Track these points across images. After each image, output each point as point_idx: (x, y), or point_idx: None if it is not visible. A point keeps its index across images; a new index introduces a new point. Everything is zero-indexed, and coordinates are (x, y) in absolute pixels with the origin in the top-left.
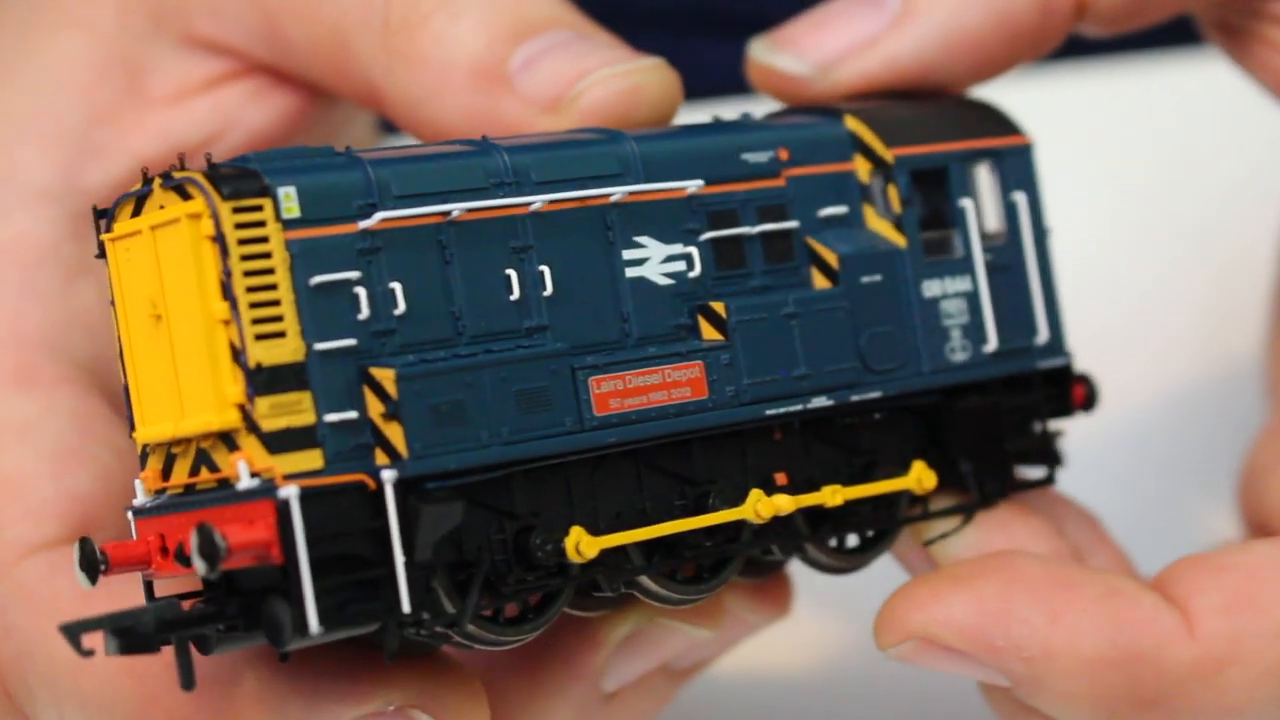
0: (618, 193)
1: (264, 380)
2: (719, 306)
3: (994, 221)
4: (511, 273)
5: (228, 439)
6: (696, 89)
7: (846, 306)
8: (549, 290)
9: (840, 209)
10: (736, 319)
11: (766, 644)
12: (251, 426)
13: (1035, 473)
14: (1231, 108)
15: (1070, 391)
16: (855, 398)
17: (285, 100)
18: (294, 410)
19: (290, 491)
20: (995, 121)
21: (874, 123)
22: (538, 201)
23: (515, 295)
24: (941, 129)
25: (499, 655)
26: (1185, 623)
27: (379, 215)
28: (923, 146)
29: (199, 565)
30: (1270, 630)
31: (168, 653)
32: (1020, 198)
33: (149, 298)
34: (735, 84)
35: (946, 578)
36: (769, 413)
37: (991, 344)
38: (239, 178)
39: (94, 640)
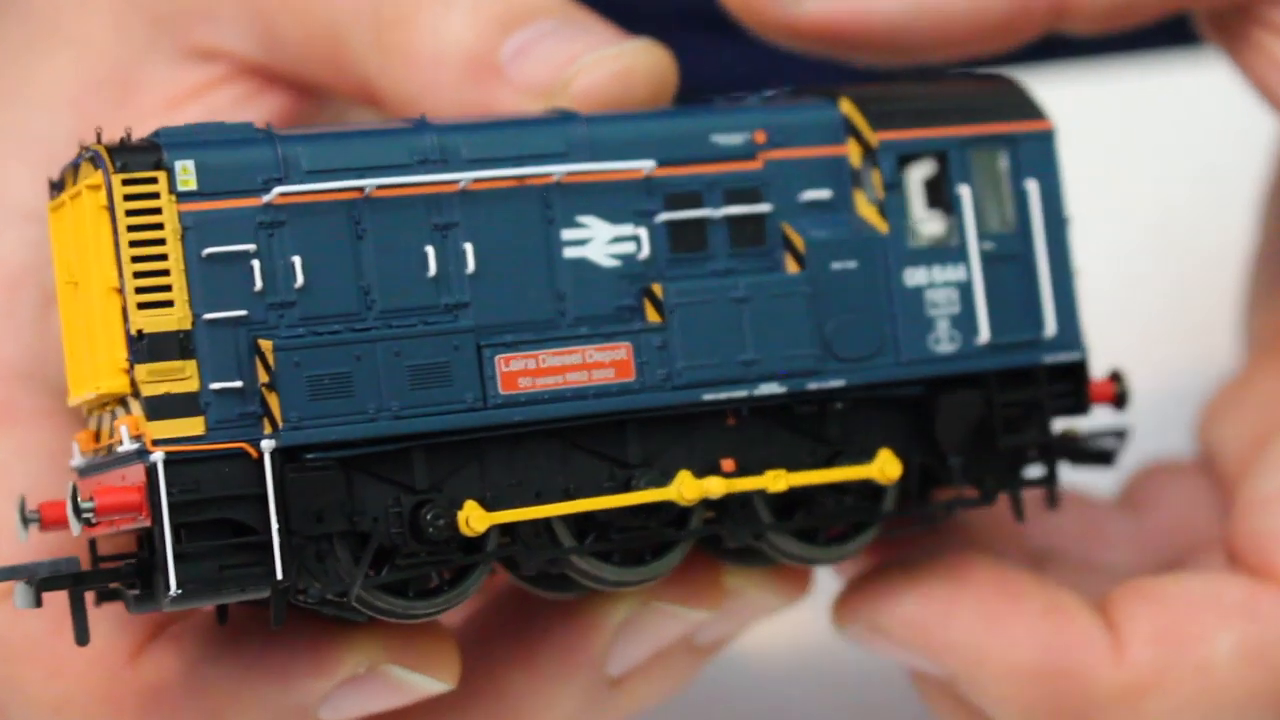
0: (558, 172)
1: (145, 347)
2: (658, 288)
3: (1007, 209)
4: (430, 249)
5: (125, 403)
6: (702, 89)
7: (807, 292)
8: (471, 268)
9: (823, 193)
10: (674, 301)
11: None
12: (136, 392)
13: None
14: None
15: (1084, 388)
16: (813, 386)
17: (276, 101)
18: (175, 377)
19: (157, 456)
20: (1015, 106)
21: (867, 105)
22: (464, 179)
23: (432, 272)
24: (946, 112)
25: (498, 649)
26: (1116, 647)
27: (277, 190)
28: (915, 131)
29: (72, 525)
30: (1194, 664)
31: (168, 696)
32: (1033, 185)
33: (69, 265)
34: (740, 84)
35: (900, 572)
36: (707, 398)
37: (983, 335)
38: (135, 150)
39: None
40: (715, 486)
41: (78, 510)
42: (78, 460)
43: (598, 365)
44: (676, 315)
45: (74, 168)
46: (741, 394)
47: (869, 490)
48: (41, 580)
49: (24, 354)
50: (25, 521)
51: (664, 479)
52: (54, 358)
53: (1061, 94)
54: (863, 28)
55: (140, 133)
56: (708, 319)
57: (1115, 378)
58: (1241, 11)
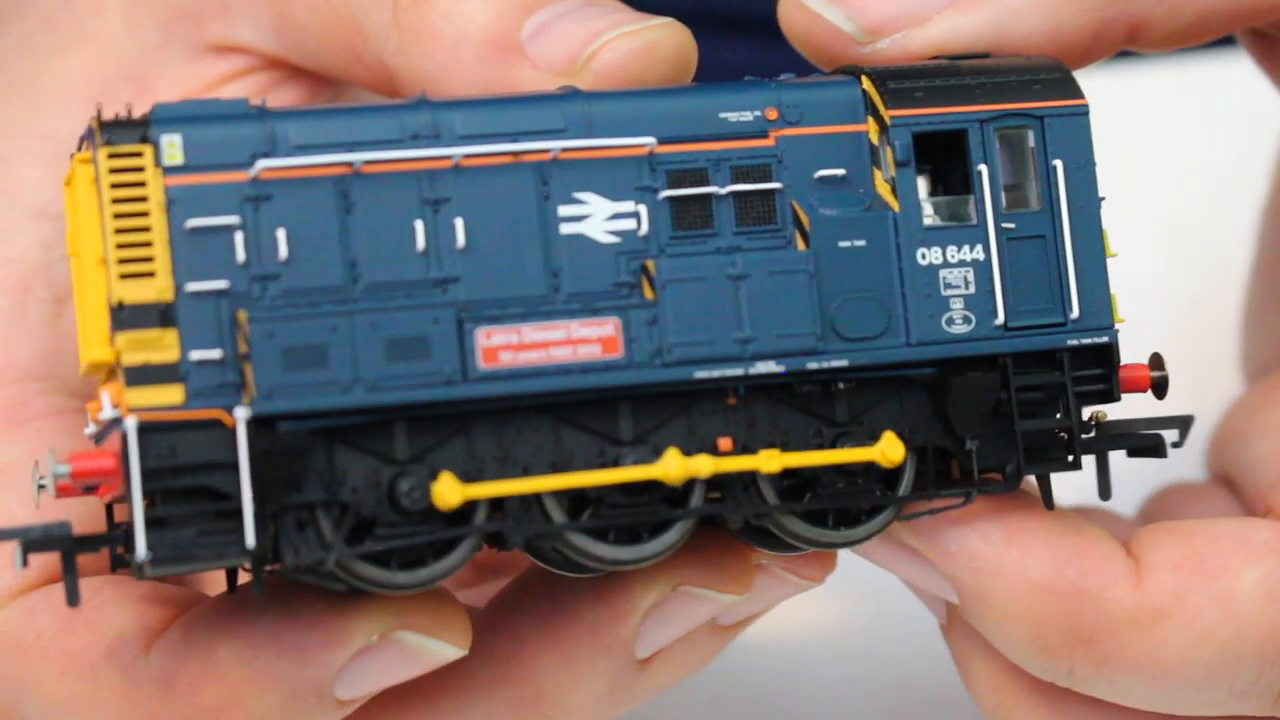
0: (554, 148)
1: (125, 317)
2: (652, 265)
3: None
4: (419, 224)
5: (114, 372)
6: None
7: (810, 270)
8: (461, 243)
9: (838, 171)
10: (666, 278)
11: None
12: (119, 361)
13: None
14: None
15: (1113, 374)
16: (813, 365)
17: (294, 94)
18: (155, 346)
19: (129, 423)
20: (1048, 83)
21: (886, 82)
22: (457, 154)
23: (420, 246)
24: (969, 90)
25: (526, 631)
26: (1136, 573)
27: (261, 164)
28: (931, 108)
29: (49, 489)
30: (1215, 594)
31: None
32: (1061, 164)
33: (71, 237)
34: None
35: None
36: (699, 375)
37: (999, 316)
38: (123, 126)
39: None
40: (703, 466)
41: (54, 474)
42: (90, 429)
43: (583, 341)
44: (668, 292)
45: (79, 145)
46: (736, 372)
47: (884, 474)
48: (30, 542)
49: (36, 354)
50: (39, 486)
51: (653, 456)
52: (68, 357)
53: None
54: (941, 55)
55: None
56: (702, 296)
57: (1154, 363)
58: None
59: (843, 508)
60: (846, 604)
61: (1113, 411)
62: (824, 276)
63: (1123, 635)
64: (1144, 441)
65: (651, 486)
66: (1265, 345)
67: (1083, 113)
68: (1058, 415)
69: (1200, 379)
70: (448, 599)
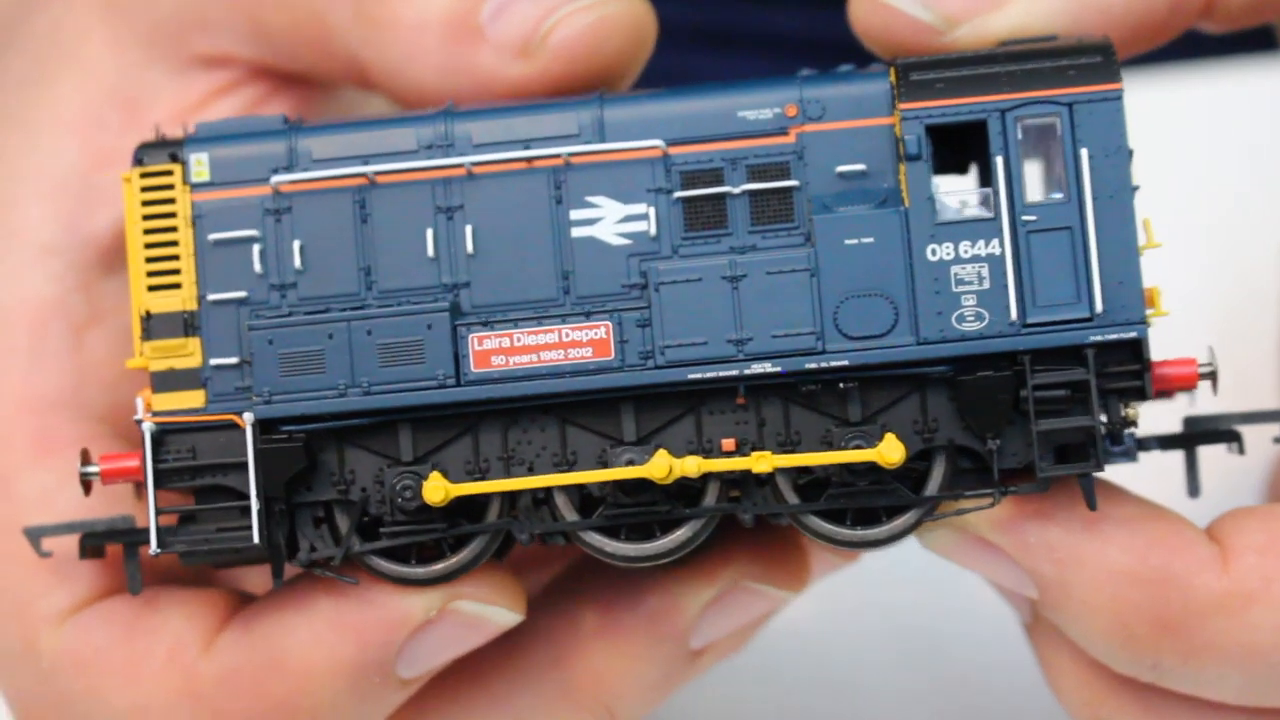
0: (565, 153)
1: (152, 326)
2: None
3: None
4: (429, 231)
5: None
6: None
7: (809, 268)
8: (470, 249)
9: (858, 166)
10: (659, 280)
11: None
12: (147, 367)
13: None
14: None
15: (1145, 370)
16: (812, 365)
17: (288, 103)
18: (179, 354)
19: (147, 426)
20: (1081, 68)
21: (909, 74)
22: (467, 162)
23: (430, 253)
24: (994, 79)
25: (583, 617)
26: (1222, 556)
27: (277, 178)
28: (949, 99)
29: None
30: None
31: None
32: (1087, 151)
33: (129, 251)
34: None
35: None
36: (693, 376)
37: (1012, 313)
38: (157, 146)
39: (52, 543)
40: (689, 466)
41: (82, 474)
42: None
43: (574, 344)
44: (662, 293)
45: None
46: (731, 373)
47: (910, 475)
48: (90, 535)
49: (57, 385)
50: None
51: (646, 456)
52: (92, 386)
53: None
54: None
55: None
56: (697, 297)
57: (1202, 360)
58: None
59: (863, 508)
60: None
61: (1205, 407)
62: (828, 275)
63: (1211, 622)
64: (1223, 438)
65: (655, 486)
66: None
67: (1115, 98)
68: (1079, 415)
69: (1242, 384)
70: (500, 570)
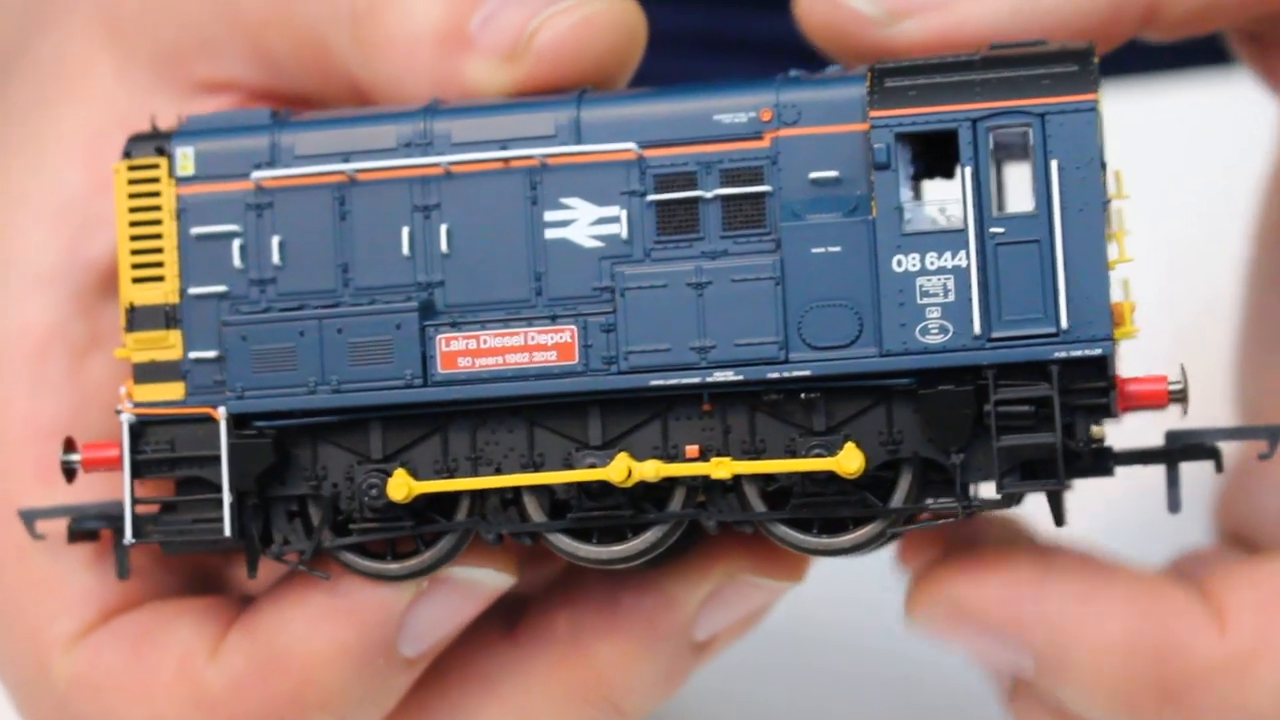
0: (540, 154)
1: (135, 318)
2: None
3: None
4: (405, 230)
5: None
6: None
7: (774, 277)
8: (444, 248)
9: (831, 173)
10: (624, 285)
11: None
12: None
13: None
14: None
15: (1111, 389)
16: (774, 374)
17: None
18: (160, 346)
19: (125, 417)
20: (1057, 77)
21: (884, 80)
22: (445, 162)
23: (405, 251)
24: (969, 87)
25: (584, 618)
26: (1218, 619)
27: (257, 174)
28: (920, 108)
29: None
30: None
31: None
32: (1058, 163)
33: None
34: None
35: (983, 555)
36: (655, 383)
37: (975, 327)
38: (144, 139)
39: (47, 526)
40: (649, 470)
41: (62, 464)
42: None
43: (539, 347)
44: (626, 299)
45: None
46: (694, 380)
47: (880, 486)
48: (80, 519)
49: (59, 412)
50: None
51: (608, 460)
52: (93, 411)
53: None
54: (965, 38)
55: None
56: (662, 303)
57: (1171, 378)
58: None
59: (828, 517)
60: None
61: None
62: (794, 283)
63: (1213, 684)
64: (1203, 454)
65: (621, 490)
66: (1260, 396)
67: (1088, 108)
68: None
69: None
70: (488, 547)
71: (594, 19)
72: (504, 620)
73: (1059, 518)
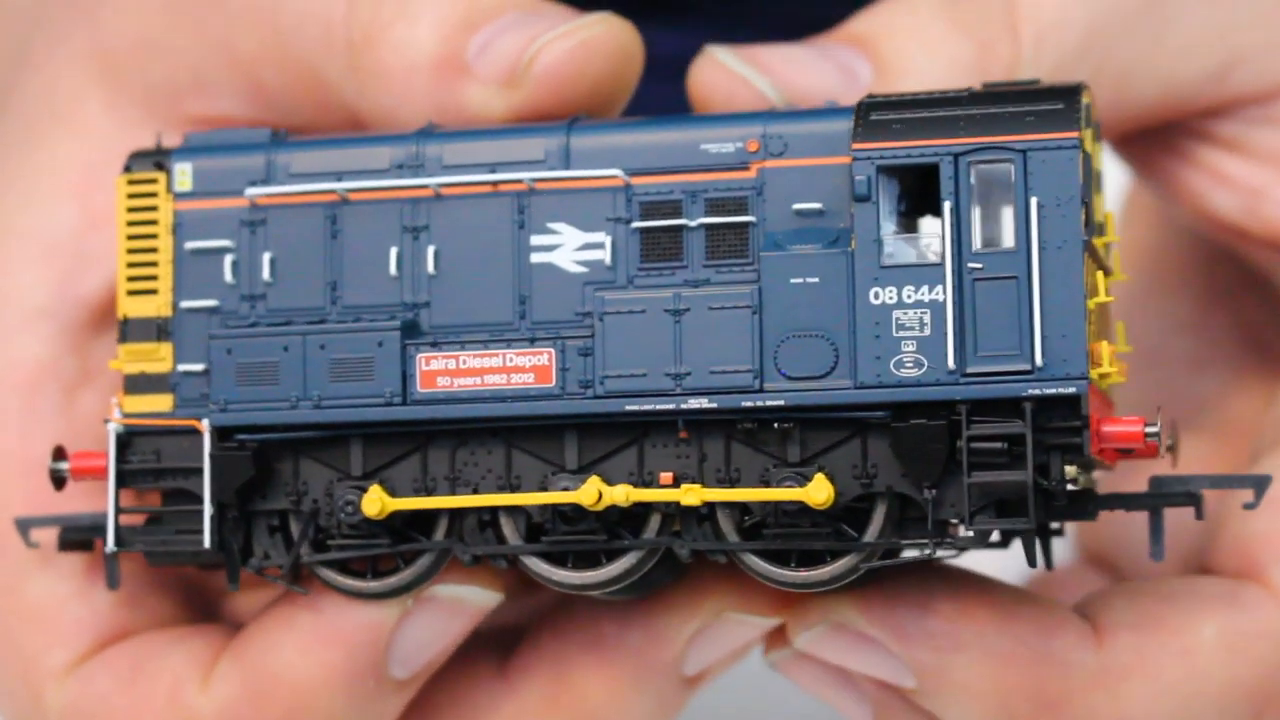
0: (529, 179)
1: (127, 330)
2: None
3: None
4: (393, 250)
5: None
6: None
7: (753, 306)
8: (430, 269)
9: (814, 204)
10: (603, 310)
11: None
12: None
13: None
14: None
15: (1084, 428)
16: (748, 403)
17: None
18: (151, 358)
19: (111, 427)
20: (1042, 115)
21: (869, 113)
22: (434, 184)
23: (392, 272)
24: (953, 122)
25: (571, 656)
26: (1096, 633)
27: (251, 191)
28: (903, 141)
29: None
30: (1176, 650)
31: None
32: (1037, 200)
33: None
34: None
35: (853, 586)
36: (630, 408)
37: (950, 361)
38: (147, 154)
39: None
40: (618, 495)
41: (52, 474)
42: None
43: (517, 369)
44: (605, 324)
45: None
46: (668, 406)
47: (859, 518)
48: (70, 529)
49: (49, 445)
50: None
51: (581, 484)
52: (83, 443)
53: None
54: None
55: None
56: (639, 329)
57: (1149, 420)
58: (1173, 129)
59: (800, 549)
60: None
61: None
62: (771, 313)
63: (1089, 697)
64: (1183, 500)
65: (596, 515)
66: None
67: (1070, 146)
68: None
69: None
70: (470, 568)
71: (592, 43)
72: (496, 656)
73: (1030, 558)
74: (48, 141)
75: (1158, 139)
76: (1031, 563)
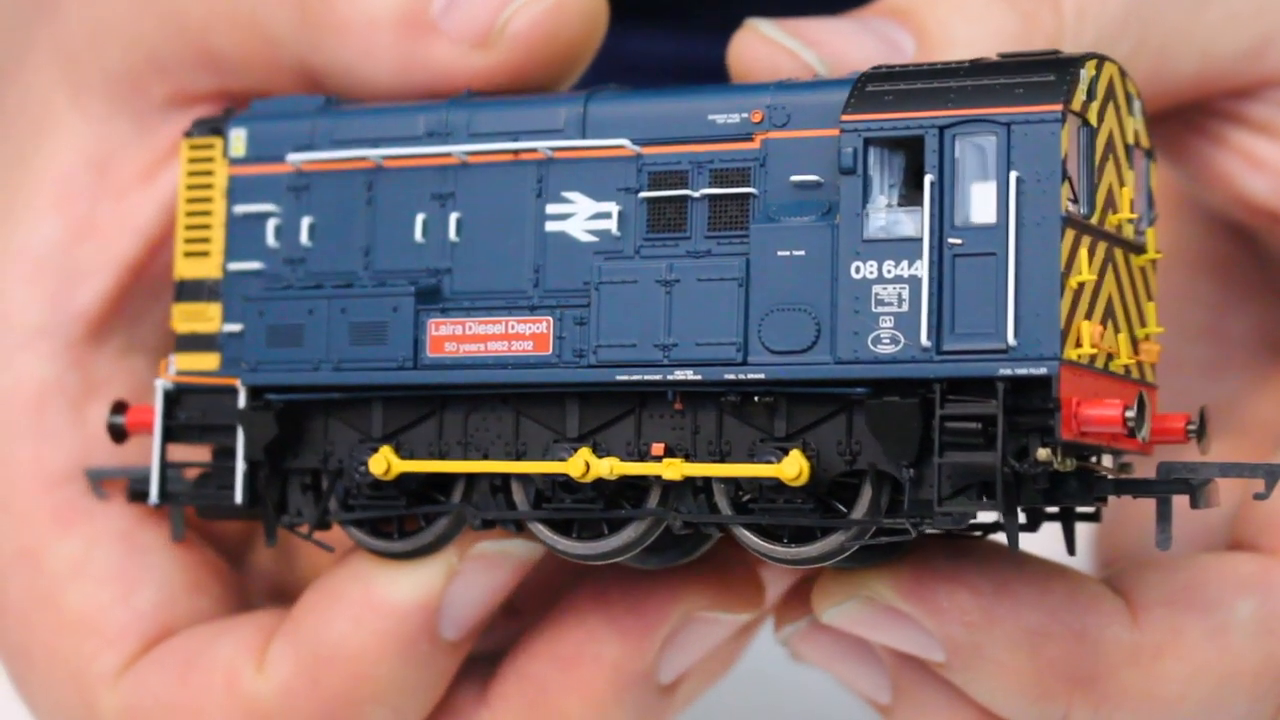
0: (547, 148)
1: (182, 290)
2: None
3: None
4: (420, 217)
5: None
6: None
7: (740, 278)
8: (453, 236)
9: (811, 176)
10: (599, 280)
11: None
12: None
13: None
14: None
15: (1056, 410)
16: (730, 376)
17: None
18: (201, 318)
19: (159, 383)
20: (1031, 86)
21: (864, 85)
22: (459, 151)
23: (418, 238)
24: (943, 94)
25: (550, 677)
26: (1130, 609)
27: (292, 157)
28: (890, 113)
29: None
30: (1210, 628)
31: None
32: (1017, 175)
33: None
34: None
35: (879, 560)
36: (620, 378)
37: (923, 339)
38: (209, 119)
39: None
40: (604, 468)
41: (110, 426)
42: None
43: (518, 336)
44: (600, 294)
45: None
46: (656, 377)
47: (841, 495)
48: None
49: (66, 460)
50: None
51: (570, 454)
52: (95, 454)
53: None
54: None
55: (137, 217)
56: (632, 299)
57: (1134, 406)
58: (1204, 110)
59: (787, 524)
60: None
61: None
62: (758, 286)
63: (1122, 673)
64: (1185, 488)
65: (597, 485)
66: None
67: (1052, 119)
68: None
69: None
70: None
71: (565, 5)
72: (477, 683)
73: (1013, 542)
74: (27, 153)
75: (1190, 122)
76: (1013, 548)
